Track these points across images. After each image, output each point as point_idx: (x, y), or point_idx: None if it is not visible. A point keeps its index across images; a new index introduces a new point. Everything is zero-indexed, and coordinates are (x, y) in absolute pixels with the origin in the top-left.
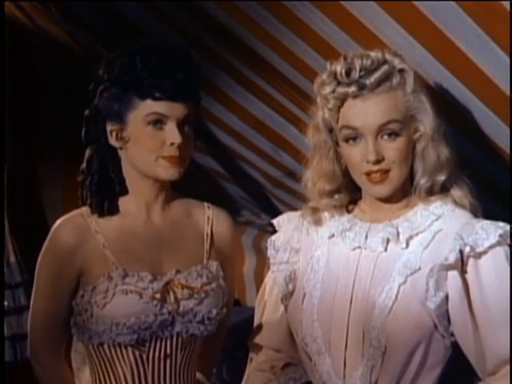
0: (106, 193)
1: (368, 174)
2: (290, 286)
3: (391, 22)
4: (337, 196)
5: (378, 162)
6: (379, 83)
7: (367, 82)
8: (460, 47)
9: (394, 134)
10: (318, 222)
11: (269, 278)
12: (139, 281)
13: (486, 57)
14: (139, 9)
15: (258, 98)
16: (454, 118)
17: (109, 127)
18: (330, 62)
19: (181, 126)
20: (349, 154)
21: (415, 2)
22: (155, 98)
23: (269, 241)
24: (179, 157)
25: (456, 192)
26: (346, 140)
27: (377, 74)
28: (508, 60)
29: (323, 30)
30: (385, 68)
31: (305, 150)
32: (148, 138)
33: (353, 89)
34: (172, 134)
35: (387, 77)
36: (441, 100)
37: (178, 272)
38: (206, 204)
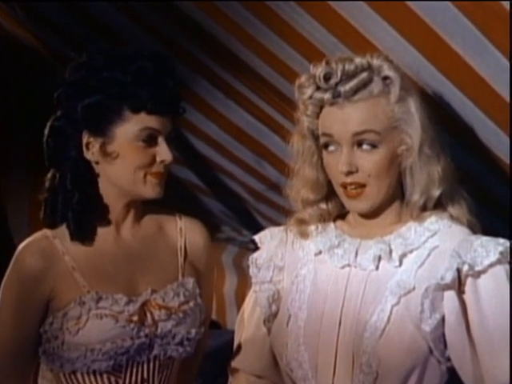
0: (88, 214)
1: (344, 186)
2: (274, 307)
3: (382, 23)
4: (322, 206)
5: (350, 173)
6: (356, 91)
7: (342, 89)
8: (456, 50)
9: (371, 146)
10: (303, 235)
11: (250, 298)
12: (114, 304)
13: (485, 60)
14: (111, 9)
15: (240, 106)
16: (449, 127)
17: (85, 139)
18: (313, 64)
19: (167, 141)
20: (327, 162)
21: (408, 2)
22: (149, 112)
23: (250, 258)
24: (164, 174)
25: (453, 208)
26: (325, 147)
27: (353, 82)
28: (508, 64)
29: (309, 32)
30: (363, 75)
31: (289, 161)
32: (139, 154)
33: (328, 96)
34: (164, 151)
35: (365, 84)
36: (435, 107)
37: (153, 292)
38: (177, 215)
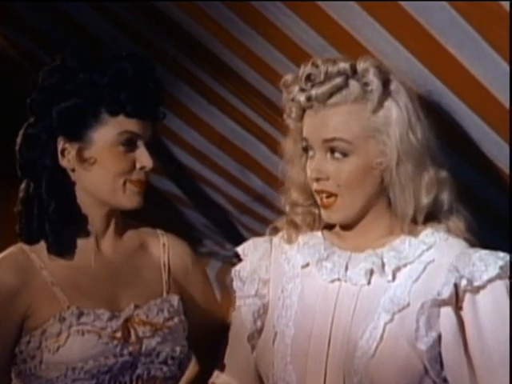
0: (66, 225)
1: (317, 193)
2: (259, 323)
3: (374, 24)
4: (314, 210)
5: (319, 179)
6: (330, 95)
7: (313, 92)
8: (452, 53)
9: (342, 154)
10: (291, 240)
11: (235, 314)
12: (96, 319)
13: (483, 64)
14: (87, 10)
15: (223, 112)
16: (444, 135)
17: (61, 145)
18: (303, 64)
19: (147, 146)
20: (307, 166)
21: (401, 2)
22: (129, 115)
23: (233, 271)
24: (145, 182)
25: (450, 221)
26: (305, 150)
27: (326, 86)
28: (507, 68)
29: (297, 34)
30: (337, 80)
31: (275, 171)
32: (119, 159)
33: (303, 98)
34: (144, 156)
35: (339, 89)
36: (431, 114)
37: (136, 307)
38: (158, 231)
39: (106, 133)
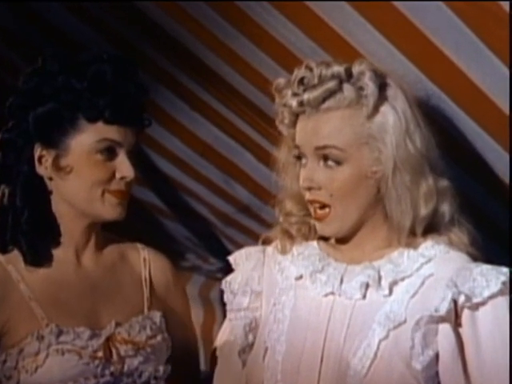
0: (40, 235)
1: (310, 203)
2: (251, 337)
3: (366, 25)
4: (306, 223)
5: (311, 189)
6: (322, 100)
7: (305, 97)
8: (449, 56)
9: (335, 162)
10: (285, 251)
11: (225, 328)
12: (76, 338)
13: (481, 68)
14: (61, 10)
15: (207, 119)
16: (440, 142)
17: (37, 152)
18: (297, 68)
19: (129, 155)
20: (299, 176)
21: (395, 3)
22: (108, 122)
23: (224, 283)
24: (127, 192)
25: (452, 233)
26: (298, 159)
27: (317, 91)
28: (507, 72)
29: (285, 35)
30: (330, 84)
31: (262, 181)
32: (97, 168)
33: (294, 103)
34: (124, 166)
35: (331, 93)
36: (426, 120)
37: (117, 325)
38: (138, 245)
39: (84, 140)
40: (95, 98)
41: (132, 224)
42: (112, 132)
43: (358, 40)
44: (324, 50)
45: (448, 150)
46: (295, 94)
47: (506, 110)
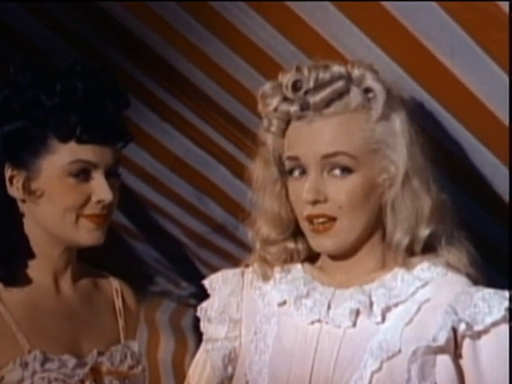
0: (11, 257)
1: (310, 220)
2: (230, 369)
3: (352, 28)
4: (286, 248)
5: (317, 202)
6: (329, 103)
7: (311, 100)
8: (444, 62)
9: (344, 171)
10: (266, 277)
11: (199, 360)
12: (62, 366)
13: (478, 75)
14: (23, 15)
15: (178, 130)
16: (435, 155)
17: (8, 172)
18: (281, 74)
19: (108, 176)
20: (292, 190)
21: (384, 3)
22: (81, 141)
23: (199, 309)
24: (105, 216)
25: (450, 254)
26: (290, 172)
27: (325, 92)
28: (507, 79)
29: (263, 39)
30: (339, 84)
31: (238, 198)
32: (70, 192)
33: (295, 107)
34: (101, 188)
35: (340, 96)
36: (418, 131)
37: (99, 354)
38: (109, 275)
39: (56, 161)
40: (65, 116)
41: (97, 246)
42: (86, 152)
43: (344, 44)
44: (306, 55)
45: (442, 164)
46: (286, 99)
47: (506, 121)
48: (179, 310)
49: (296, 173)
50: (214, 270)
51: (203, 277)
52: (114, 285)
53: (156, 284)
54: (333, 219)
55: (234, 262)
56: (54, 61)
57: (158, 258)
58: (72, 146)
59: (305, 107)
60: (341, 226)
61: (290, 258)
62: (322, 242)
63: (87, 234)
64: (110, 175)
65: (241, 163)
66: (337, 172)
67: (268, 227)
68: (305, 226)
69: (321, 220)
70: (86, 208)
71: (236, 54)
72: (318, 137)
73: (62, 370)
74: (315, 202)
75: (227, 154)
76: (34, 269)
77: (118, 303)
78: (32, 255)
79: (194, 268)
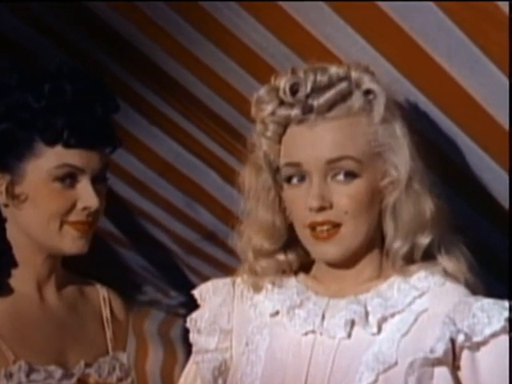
0: None
1: (312, 227)
2: (220, 382)
3: (347, 29)
4: (279, 259)
5: (322, 209)
6: (332, 106)
7: (315, 103)
8: (441, 64)
9: (349, 176)
10: (257, 288)
11: (189, 372)
12: (48, 377)
13: (477, 77)
14: (8, 16)
15: (167, 134)
16: (432, 160)
17: None
18: (274, 77)
19: (95, 182)
20: (290, 198)
21: (380, 3)
22: (68, 145)
23: (189, 320)
24: (90, 223)
25: (448, 262)
26: (288, 179)
27: (329, 94)
28: (507, 82)
29: (255, 40)
30: (342, 86)
31: (229, 204)
32: (55, 198)
33: (296, 111)
34: (87, 195)
35: (344, 98)
36: (416, 136)
37: (87, 365)
38: (96, 283)
39: (41, 166)
40: (53, 119)
41: (83, 254)
42: (73, 157)
43: (338, 45)
44: (300, 57)
45: (439, 169)
46: (283, 103)
47: (506, 125)
48: (168, 320)
49: (296, 179)
50: (204, 278)
51: (193, 286)
52: (101, 293)
53: (144, 293)
54: (337, 225)
55: (224, 270)
56: (41, 62)
57: (146, 266)
58: (58, 149)
59: (307, 110)
60: (345, 232)
61: (281, 271)
62: (326, 250)
63: (71, 242)
64: (97, 181)
65: (232, 168)
66: (341, 177)
67: (261, 237)
68: (305, 233)
69: (325, 227)
70: (71, 215)
71: (227, 56)
72: (320, 141)
73: (48, 380)
74: (321, 209)
75: (218, 158)
76: (17, 277)
77: (106, 312)
78: (15, 263)
79: (184, 276)
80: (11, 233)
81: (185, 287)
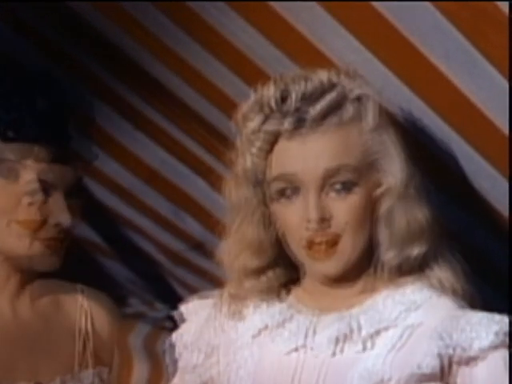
0: None
1: (309, 245)
2: None
3: (341, 30)
4: (265, 277)
5: (322, 220)
6: (324, 116)
7: (307, 115)
8: (439, 66)
9: (346, 186)
10: (238, 316)
11: None
12: None
13: (476, 80)
14: None
15: (153, 140)
16: (429, 167)
17: None
18: (255, 89)
19: (68, 198)
20: (282, 215)
21: (374, 3)
22: (7, 139)
23: (174, 335)
24: (62, 240)
25: (441, 273)
26: (278, 197)
27: (320, 105)
28: (506, 85)
29: (245, 42)
30: (332, 95)
31: (218, 213)
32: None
33: (287, 125)
34: (59, 210)
35: (335, 107)
36: (412, 141)
37: (63, 382)
38: (79, 287)
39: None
40: None
41: (64, 264)
42: (12, 151)
43: (331, 47)
44: (291, 59)
45: (436, 175)
46: (273, 117)
47: (505, 130)
48: (154, 333)
49: (288, 192)
50: (192, 289)
51: (180, 297)
52: (79, 301)
53: (129, 306)
54: (334, 243)
55: (212, 281)
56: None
57: (131, 278)
58: None
59: (299, 123)
60: (345, 246)
61: (265, 292)
62: (325, 268)
63: (42, 260)
64: (70, 197)
65: (220, 175)
66: (338, 187)
67: (246, 256)
68: (302, 253)
69: (323, 247)
70: (42, 231)
71: (215, 57)
72: (316, 152)
73: None
74: (321, 221)
75: (205, 165)
76: None
77: (80, 323)
78: None
79: (170, 288)
80: None
81: (171, 299)
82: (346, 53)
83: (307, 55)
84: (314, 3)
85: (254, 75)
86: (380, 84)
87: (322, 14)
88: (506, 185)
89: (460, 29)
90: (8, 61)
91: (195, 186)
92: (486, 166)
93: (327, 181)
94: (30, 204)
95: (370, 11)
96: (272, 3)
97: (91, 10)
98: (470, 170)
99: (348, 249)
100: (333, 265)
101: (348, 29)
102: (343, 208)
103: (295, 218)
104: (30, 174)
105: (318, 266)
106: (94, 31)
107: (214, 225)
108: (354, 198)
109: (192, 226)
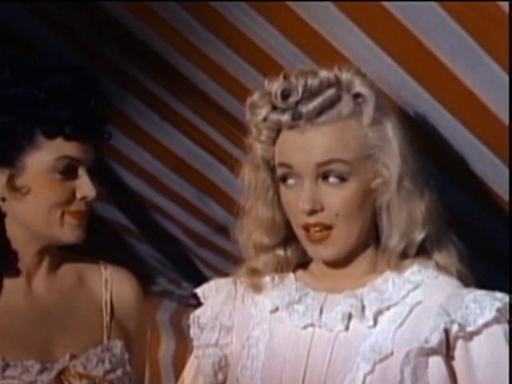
0: None
1: (306, 228)
2: (220, 376)
3: (354, 29)
4: (279, 252)
5: (314, 212)
6: (321, 111)
7: (304, 109)
8: (444, 62)
9: (339, 178)
10: (257, 288)
11: (191, 365)
12: (24, 372)
13: (479, 75)
14: (17, 10)
15: (179, 130)
16: (435, 156)
17: None
18: (268, 79)
19: (89, 173)
20: (285, 199)
21: (385, 3)
22: (68, 138)
23: (191, 316)
24: (86, 212)
25: (440, 256)
26: (283, 181)
27: (317, 100)
28: (507, 79)
29: (264, 39)
30: (330, 92)
31: (239, 198)
32: (56, 189)
33: (286, 117)
34: (85, 185)
35: (332, 103)
36: (418, 132)
37: (72, 357)
38: (101, 263)
39: (42, 158)
40: (55, 112)
41: (97, 245)
42: (72, 149)
43: (345, 44)
44: (307, 56)
45: (441, 164)
46: (276, 108)
47: (506, 121)
48: (180, 310)
49: (290, 181)
50: (215, 270)
51: (204, 277)
52: (103, 275)
53: (157, 284)
54: (329, 227)
55: (234, 261)
56: (39, 57)
57: (158, 258)
58: (58, 142)
59: (296, 117)
60: (338, 234)
61: (280, 268)
62: (320, 251)
63: (70, 231)
64: (91, 173)
65: (242, 163)
66: (332, 179)
67: (261, 233)
68: (301, 234)
69: (318, 228)
70: (72, 205)
71: (237, 54)
72: (311, 146)
73: (24, 376)
74: (312, 212)
75: (228, 153)
76: (7, 270)
77: (106, 297)
78: (11, 258)
79: (195, 268)
80: (10, 227)
81: (196, 278)
82: (359, 50)
83: (322, 52)
84: (328, 3)
85: (272, 70)
86: (389, 78)
87: (336, 13)
88: (507, 171)
89: (464, 27)
90: (64, 62)
91: (218, 173)
92: (487, 154)
93: (320, 172)
94: (83, 198)
95: (381, 11)
96: (290, 3)
97: (121, 9)
98: (473, 158)
99: (342, 237)
100: (327, 250)
101: (360, 27)
102: (334, 200)
103: (294, 204)
104: (81, 169)
105: (314, 249)
106: (125, 30)
107: (236, 209)
108: (347, 191)
109: (215, 210)
